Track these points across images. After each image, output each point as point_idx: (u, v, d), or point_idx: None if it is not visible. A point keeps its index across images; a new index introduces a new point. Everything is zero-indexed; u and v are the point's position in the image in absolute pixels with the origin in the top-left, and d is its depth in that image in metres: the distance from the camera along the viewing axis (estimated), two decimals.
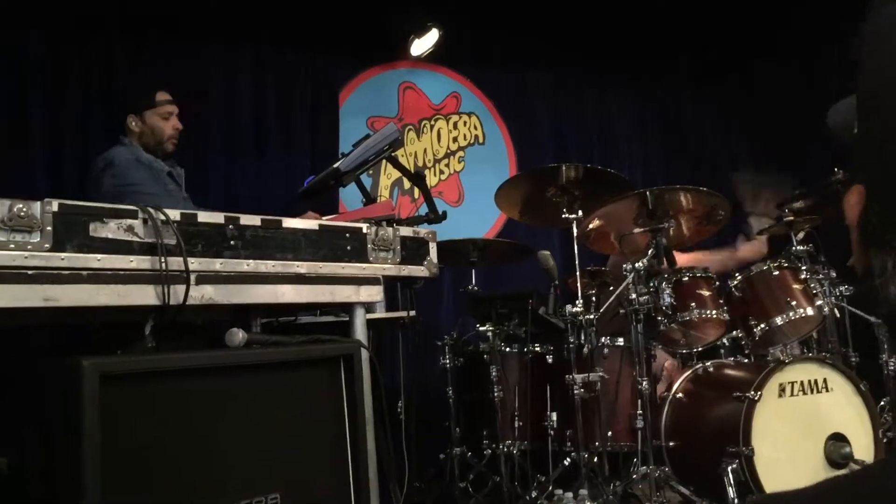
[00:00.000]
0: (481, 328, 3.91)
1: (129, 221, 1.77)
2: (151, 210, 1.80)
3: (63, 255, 1.65)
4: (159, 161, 3.43)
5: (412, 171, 4.84)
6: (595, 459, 3.45)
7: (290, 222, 2.08)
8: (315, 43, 4.88)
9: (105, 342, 1.92)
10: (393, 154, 2.84)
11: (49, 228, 1.64)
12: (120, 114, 3.53)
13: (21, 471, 1.72)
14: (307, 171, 4.47)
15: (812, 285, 3.48)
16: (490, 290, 4.47)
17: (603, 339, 3.63)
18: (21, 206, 1.60)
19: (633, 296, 3.38)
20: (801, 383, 3.21)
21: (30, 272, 1.60)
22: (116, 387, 1.54)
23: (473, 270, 4.30)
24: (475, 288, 4.23)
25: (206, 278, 1.86)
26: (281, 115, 4.84)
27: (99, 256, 1.71)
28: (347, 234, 2.19)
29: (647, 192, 3.39)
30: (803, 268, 3.55)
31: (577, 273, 3.56)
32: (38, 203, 1.64)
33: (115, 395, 1.53)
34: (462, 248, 4.20)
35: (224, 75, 4.67)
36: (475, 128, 5.67)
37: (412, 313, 2.97)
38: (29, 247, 1.60)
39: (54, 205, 1.65)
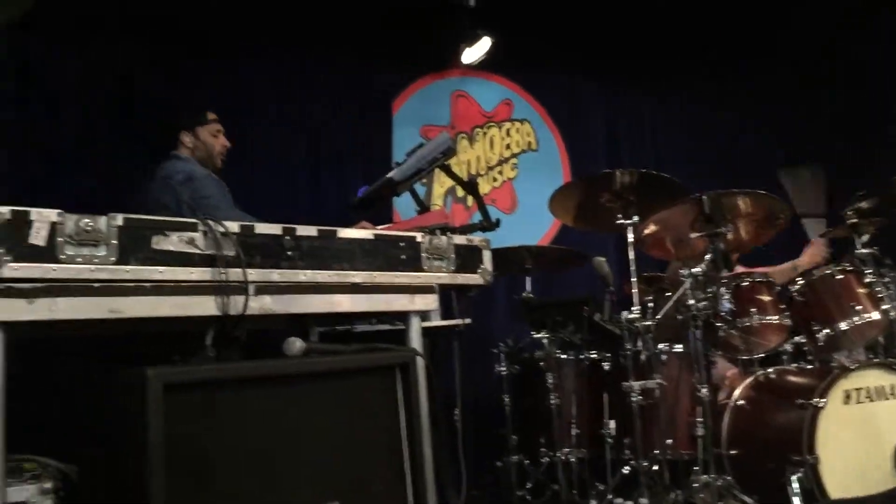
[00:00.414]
0: (536, 335, 3.89)
1: (190, 234, 1.81)
2: (211, 222, 1.84)
3: (127, 267, 1.70)
4: (222, 185, 3.49)
5: (465, 179, 4.85)
6: (655, 468, 3.40)
7: (345, 232, 2.11)
8: (366, 54, 4.92)
9: (164, 352, 1.96)
10: (446, 162, 2.86)
11: (114, 242, 1.69)
12: (169, 130, 3.59)
13: (89, 479, 1.76)
14: (360, 181, 4.52)
15: (877, 289, 3.38)
16: (545, 296, 4.44)
17: (661, 346, 3.58)
18: (87, 220, 1.66)
19: (692, 301, 3.33)
20: (868, 390, 3.13)
21: (96, 285, 1.65)
22: (179, 396, 1.57)
23: (528, 277, 4.29)
24: (530, 295, 4.22)
25: (264, 289, 1.89)
26: (333, 126, 4.89)
27: (161, 269, 1.75)
28: (402, 244, 2.21)
29: (704, 197, 3.34)
30: (868, 271, 3.45)
31: (633, 279, 3.53)
32: (104, 218, 1.69)
33: (178, 403, 1.56)
34: (516, 256, 4.19)
35: (274, 88, 4.73)
36: (528, 134, 5.66)
37: (467, 321, 2.97)
38: (95, 260, 1.65)
39: (119, 219, 1.70)
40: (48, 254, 1.60)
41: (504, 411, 3.95)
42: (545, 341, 3.81)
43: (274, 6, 4.51)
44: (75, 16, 3.82)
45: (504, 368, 3.99)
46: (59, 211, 1.63)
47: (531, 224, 5.33)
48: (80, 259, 1.64)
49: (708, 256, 3.41)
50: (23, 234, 1.58)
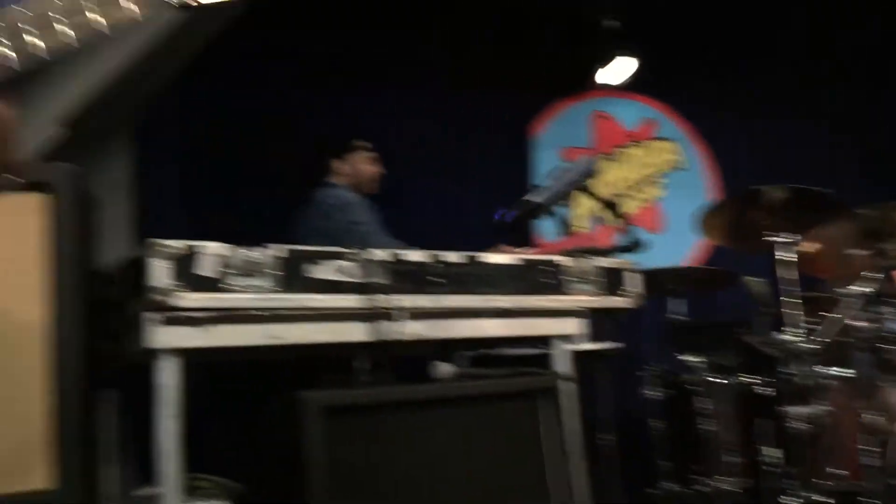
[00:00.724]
0: (686, 358, 3.78)
1: (343, 263, 1.89)
2: (362, 251, 1.92)
3: (286, 296, 1.80)
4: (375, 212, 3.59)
5: (608, 200, 4.78)
6: (817, 498, 3.21)
7: (490, 257, 2.14)
8: (505, 77, 4.97)
9: (320, 377, 2.05)
10: (588, 184, 2.84)
11: (274, 272, 1.79)
12: (323, 158, 3.74)
13: (256, 498, 1.86)
14: (500, 205, 4.55)
15: None
16: (695, 318, 4.31)
17: (822, 369, 3.38)
18: (250, 252, 1.77)
19: (856, 322, 3.13)
20: None
21: (259, 313, 1.76)
22: (338, 419, 1.64)
23: (677, 299, 4.18)
24: (679, 317, 4.10)
25: (413, 314, 1.95)
26: (473, 150, 4.96)
27: (317, 296, 1.84)
28: (546, 267, 2.21)
29: (866, 212, 3.15)
30: None
31: (788, 299, 3.36)
32: (264, 249, 1.79)
33: (336, 426, 1.63)
34: (664, 277, 4.10)
35: (414, 112, 4.85)
36: (673, 153, 5.53)
37: (617, 345, 2.93)
38: (258, 289, 1.76)
39: (278, 250, 1.81)
40: (216, 284, 1.72)
41: (654, 436, 3.85)
42: (696, 364, 3.70)
43: (414, 33, 4.64)
44: (229, 49, 4.06)
45: (652, 392, 3.90)
46: (225, 244, 1.74)
47: (678, 244, 5.19)
48: (244, 289, 1.74)
49: (871, 274, 3.20)
50: (193, 266, 1.71)
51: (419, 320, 1.96)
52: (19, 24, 0.87)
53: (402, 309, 1.91)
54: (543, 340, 2.33)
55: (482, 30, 4.82)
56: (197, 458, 1.85)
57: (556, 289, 2.21)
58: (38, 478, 1.61)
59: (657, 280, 4.07)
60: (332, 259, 1.87)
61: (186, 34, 2.83)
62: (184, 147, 4.23)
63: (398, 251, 2.00)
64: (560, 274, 2.23)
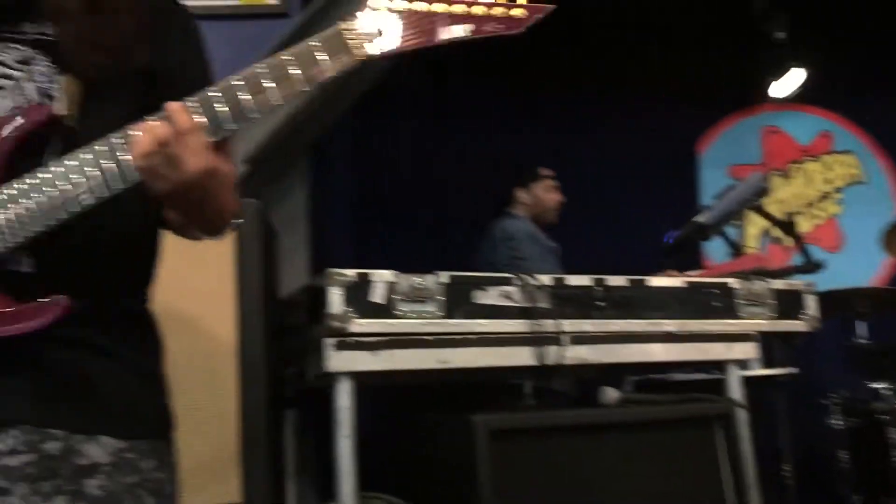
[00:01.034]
0: (875, 385, 3.54)
1: (507, 288, 1.93)
2: (525, 276, 1.95)
3: (453, 321, 1.85)
4: (548, 240, 3.60)
5: (782, 218, 4.58)
6: None
7: (655, 281, 2.11)
8: (670, 94, 4.87)
9: (485, 400, 2.08)
10: (759, 203, 2.74)
11: (441, 298, 1.85)
12: (505, 188, 3.78)
13: None
14: (666, 226, 4.45)
15: None
16: (883, 342, 4.02)
17: None
18: (418, 279, 1.84)
19: None
20: None
21: (427, 338, 1.82)
22: (506, 441, 1.67)
23: (862, 322, 3.91)
24: (865, 341, 3.84)
25: (578, 339, 1.95)
26: (638, 170, 4.87)
27: (482, 321, 1.88)
28: (715, 290, 2.15)
29: None
30: None
31: None
32: (431, 276, 1.86)
33: (504, 449, 1.66)
34: (846, 298, 3.85)
35: (573, 131, 4.82)
36: (853, 166, 5.20)
37: (793, 370, 2.79)
38: (425, 315, 1.83)
39: (444, 276, 1.87)
40: (386, 310, 1.80)
41: (840, 469, 3.60)
42: (887, 392, 3.45)
43: (579, 49, 4.64)
44: (399, 81, 4.22)
45: (838, 421, 3.66)
46: (394, 272, 1.82)
47: (861, 263, 4.86)
48: (412, 314, 1.82)
49: None
50: (365, 293, 1.79)
51: (584, 345, 1.96)
52: (232, 83, 0.97)
53: (565, 333, 1.91)
54: (714, 365, 2.26)
55: (644, 46, 4.76)
56: (371, 476, 1.93)
57: (727, 312, 2.14)
58: (229, 492, 1.74)
59: (839, 302, 3.84)
60: (498, 285, 1.91)
61: (362, 71, 2.98)
62: (356, 177, 4.43)
63: (559, 275, 2.01)
64: (731, 297, 2.16)
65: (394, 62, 3.28)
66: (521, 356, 1.91)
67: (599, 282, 2.02)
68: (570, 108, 4.83)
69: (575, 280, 2.01)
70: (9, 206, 0.94)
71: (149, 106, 0.99)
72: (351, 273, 1.77)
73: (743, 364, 2.18)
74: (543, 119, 4.76)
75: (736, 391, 2.11)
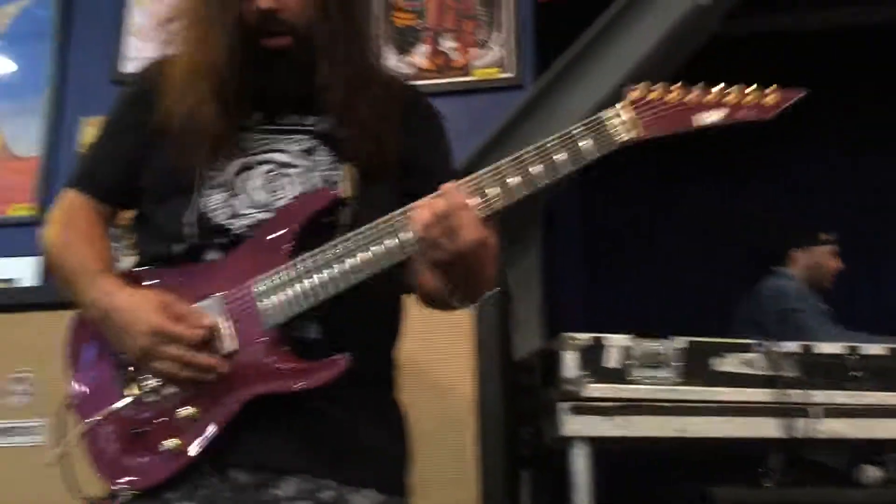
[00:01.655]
0: None
1: (748, 355, 1.85)
2: (768, 343, 1.86)
3: (690, 388, 1.80)
4: (820, 303, 3.39)
5: None
6: None
7: None
8: None
9: (724, 472, 1.99)
10: None
11: (677, 364, 1.81)
12: (781, 247, 3.62)
13: None
14: None
15: None
16: None
17: None
18: (653, 343, 1.82)
19: None
20: None
21: (664, 404, 1.79)
22: None
23: None
24: None
25: (828, 411, 1.83)
26: (889, 225, 4.47)
27: (722, 389, 1.82)
28: None
29: None
30: None
31: None
32: (667, 340, 1.83)
33: None
34: None
35: (812, 185, 4.53)
36: None
37: None
38: (660, 381, 1.79)
39: (680, 342, 1.83)
40: (620, 375, 1.79)
41: None
42: None
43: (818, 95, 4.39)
44: None
45: None
46: (628, 336, 1.82)
47: None
48: (647, 380, 1.79)
49: None
50: (599, 357, 1.80)
51: (836, 417, 1.83)
52: (502, 165, 1.06)
53: (816, 405, 1.80)
54: None
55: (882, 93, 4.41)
56: None
57: None
58: None
59: None
60: (738, 352, 1.84)
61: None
62: (588, 234, 4.45)
63: (807, 342, 1.90)
64: None
65: None
66: (766, 427, 1.81)
67: (853, 350, 1.89)
68: (812, 154, 4.56)
69: (825, 347, 1.89)
70: (312, 274, 1.07)
71: (405, 191, 1.12)
72: (585, 337, 1.79)
73: None
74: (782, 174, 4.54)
75: None
